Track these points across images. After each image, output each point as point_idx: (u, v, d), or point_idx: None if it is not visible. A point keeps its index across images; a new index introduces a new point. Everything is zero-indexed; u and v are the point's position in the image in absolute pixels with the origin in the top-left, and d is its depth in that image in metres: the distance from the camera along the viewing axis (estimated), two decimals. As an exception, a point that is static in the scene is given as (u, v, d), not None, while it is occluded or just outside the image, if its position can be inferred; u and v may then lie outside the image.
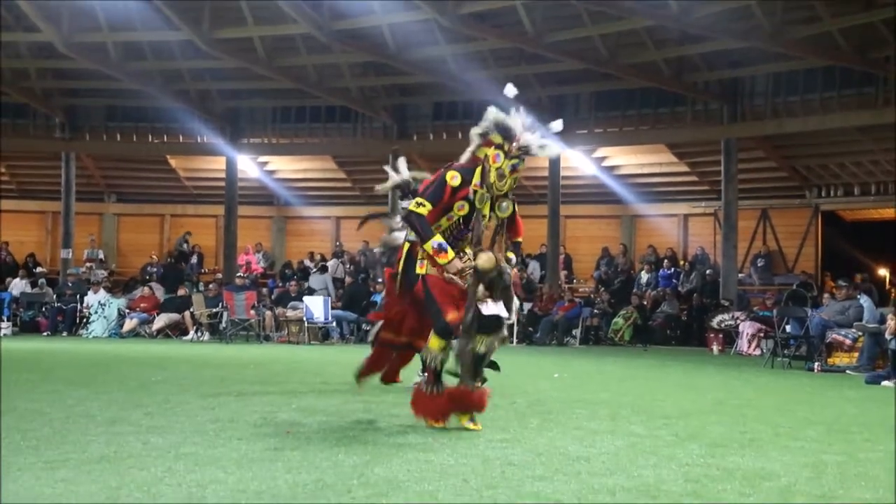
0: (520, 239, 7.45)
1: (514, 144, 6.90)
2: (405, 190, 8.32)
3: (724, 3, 18.74)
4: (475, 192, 6.93)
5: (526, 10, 20.04)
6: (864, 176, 23.07)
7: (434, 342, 6.88)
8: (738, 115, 22.26)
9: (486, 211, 6.98)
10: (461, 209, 6.97)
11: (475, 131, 7.07)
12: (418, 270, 7.04)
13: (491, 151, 6.92)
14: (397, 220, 7.74)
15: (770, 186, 24.55)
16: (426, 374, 7.07)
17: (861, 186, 23.28)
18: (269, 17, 21.91)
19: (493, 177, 6.89)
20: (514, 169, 6.92)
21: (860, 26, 18.83)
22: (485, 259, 6.84)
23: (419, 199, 6.91)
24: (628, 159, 25.63)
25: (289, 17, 21.44)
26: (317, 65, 23.84)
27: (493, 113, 7.03)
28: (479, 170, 6.96)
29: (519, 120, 7.00)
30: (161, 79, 24.91)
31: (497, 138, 6.94)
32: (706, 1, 18.66)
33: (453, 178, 6.91)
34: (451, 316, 6.79)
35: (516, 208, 7.24)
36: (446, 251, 6.81)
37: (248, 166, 27.16)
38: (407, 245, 7.56)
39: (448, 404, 6.86)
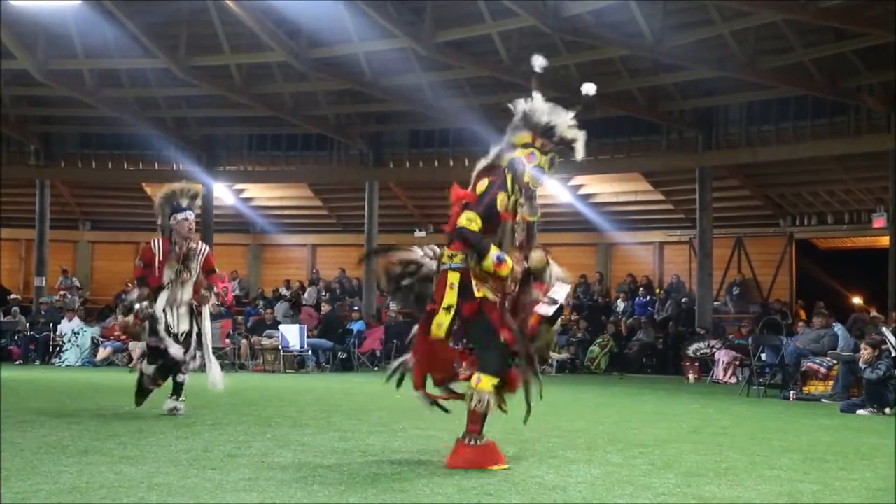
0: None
1: (554, 137, 6.58)
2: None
3: (697, 32, 18.89)
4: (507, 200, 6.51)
5: (501, 39, 20.12)
6: (837, 205, 23.23)
7: (485, 383, 6.41)
8: (713, 143, 22.40)
9: (520, 219, 6.61)
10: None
11: (510, 136, 6.62)
12: (476, 294, 6.38)
13: (522, 152, 6.56)
14: (417, 251, 6.90)
15: (744, 215, 24.69)
16: (470, 422, 6.46)
17: (834, 215, 23.43)
18: (246, 45, 21.91)
19: (528, 176, 6.51)
20: (552, 163, 6.62)
21: (832, 56, 19.02)
22: (537, 259, 6.61)
23: (470, 215, 6.38)
24: (604, 187, 25.71)
25: (265, 45, 21.46)
26: (293, 92, 23.87)
27: (521, 107, 6.65)
28: (509, 177, 6.53)
29: (552, 112, 6.66)
30: (137, 106, 24.86)
31: (524, 137, 6.60)
32: (680, 31, 18.83)
33: (502, 202, 6.47)
34: (506, 335, 6.35)
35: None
36: (505, 261, 6.40)
37: (224, 194, 27.08)
38: (457, 275, 6.46)
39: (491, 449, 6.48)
